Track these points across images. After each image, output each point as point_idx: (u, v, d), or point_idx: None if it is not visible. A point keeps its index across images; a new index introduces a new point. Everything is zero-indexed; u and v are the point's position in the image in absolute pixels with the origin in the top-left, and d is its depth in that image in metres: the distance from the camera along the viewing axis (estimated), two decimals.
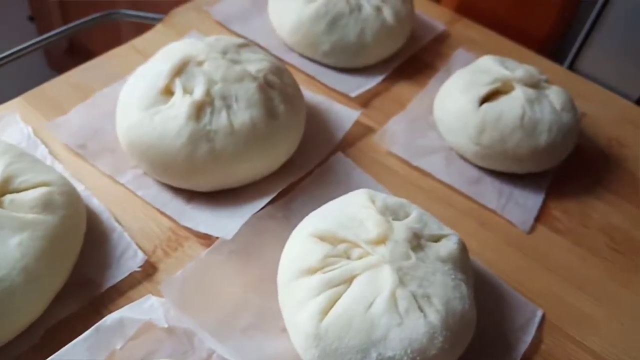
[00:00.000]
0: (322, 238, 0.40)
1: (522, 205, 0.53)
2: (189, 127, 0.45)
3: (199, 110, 0.45)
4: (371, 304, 0.37)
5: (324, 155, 0.53)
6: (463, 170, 0.55)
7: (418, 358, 0.36)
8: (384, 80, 0.63)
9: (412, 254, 0.39)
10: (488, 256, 0.49)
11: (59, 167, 0.48)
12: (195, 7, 0.68)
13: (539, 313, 0.45)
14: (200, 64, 0.48)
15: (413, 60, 0.67)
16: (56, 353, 0.36)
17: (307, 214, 0.44)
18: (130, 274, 0.42)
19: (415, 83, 0.64)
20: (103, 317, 0.37)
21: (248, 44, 0.52)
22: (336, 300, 0.37)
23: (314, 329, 0.37)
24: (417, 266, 0.39)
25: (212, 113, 0.46)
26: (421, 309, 0.37)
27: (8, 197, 0.40)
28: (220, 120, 0.46)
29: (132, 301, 0.40)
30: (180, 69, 0.47)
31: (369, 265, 0.38)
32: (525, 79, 0.55)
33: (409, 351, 0.36)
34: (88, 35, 1.12)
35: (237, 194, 0.48)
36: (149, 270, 0.43)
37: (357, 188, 0.45)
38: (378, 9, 0.62)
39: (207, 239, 0.45)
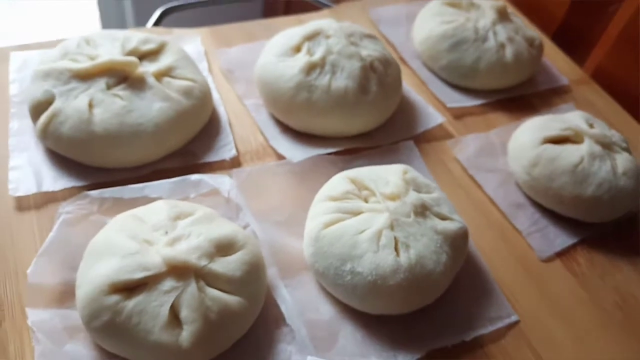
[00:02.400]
0: (352, 181, 0.52)
1: (551, 240, 0.59)
2: (298, 77, 0.60)
3: (311, 68, 0.60)
4: (361, 232, 0.48)
5: (398, 138, 0.64)
6: (511, 194, 0.62)
7: (379, 281, 0.46)
8: (483, 105, 0.71)
9: (412, 215, 0.49)
10: (493, 261, 0.56)
11: (209, 78, 0.66)
12: (361, 5, 0.84)
13: (514, 317, 0.52)
14: (327, 37, 0.63)
15: (521, 99, 0.74)
16: (149, 182, 0.53)
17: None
18: (222, 161, 0.58)
19: (511, 117, 0.71)
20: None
21: (373, 36, 0.66)
22: (339, 221, 0.49)
23: (316, 233, 0.49)
24: (411, 224, 0.49)
25: (320, 73, 0.60)
26: (396, 250, 0.47)
27: (166, 79, 0.58)
28: (323, 80, 0.60)
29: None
30: (311, 36, 0.62)
31: (373, 209, 0.50)
32: (598, 136, 0.60)
33: (373, 273, 0.46)
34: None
35: (318, 139, 0.62)
36: (234, 164, 0.59)
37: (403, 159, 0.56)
38: (501, 46, 0.71)
39: (281, 158, 0.60)
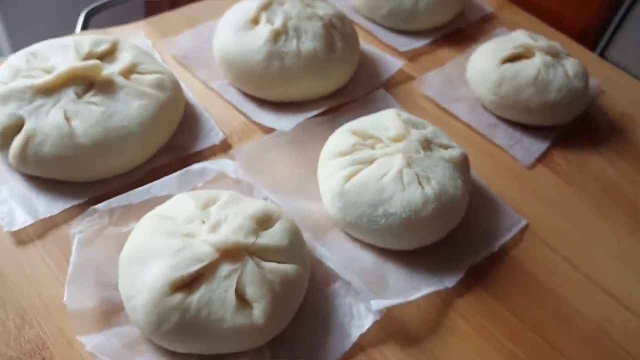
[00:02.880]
0: (355, 133, 0.54)
1: (528, 148, 0.64)
2: (267, 47, 0.59)
3: (276, 36, 0.60)
4: (383, 176, 0.50)
5: (370, 89, 0.66)
6: (482, 116, 0.67)
7: (413, 217, 0.48)
8: (430, 44, 0.75)
9: (421, 150, 0.52)
10: (488, 177, 0.60)
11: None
12: None
13: (523, 222, 0.56)
14: (281, 4, 0.62)
15: (459, 32, 0.78)
16: (153, 182, 0.51)
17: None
18: (212, 147, 0.57)
19: (457, 49, 0.76)
20: None
21: None
22: (358, 173, 0.50)
23: (340, 188, 0.50)
24: (423, 159, 0.51)
25: (286, 40, 0.60)
26: (421, 184, 0.49)
27: (134, 76, 0.55)
28: (291, 45, 0.60)
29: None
30: (266, 6, 0.62)
31: (385, 153, 0.51)
32: (546, 48, 0.65)
33: (407, 210, 0.48)
34: None
35: (296, 105, 0.62)
36: (225, 147, 0.58)
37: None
38: None
39: (269, 132, 0.59)
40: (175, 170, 0.53)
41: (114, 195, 0.50)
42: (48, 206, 0.50)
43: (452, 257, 0.51)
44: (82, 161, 0.50)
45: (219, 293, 0.40)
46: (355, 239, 0.52)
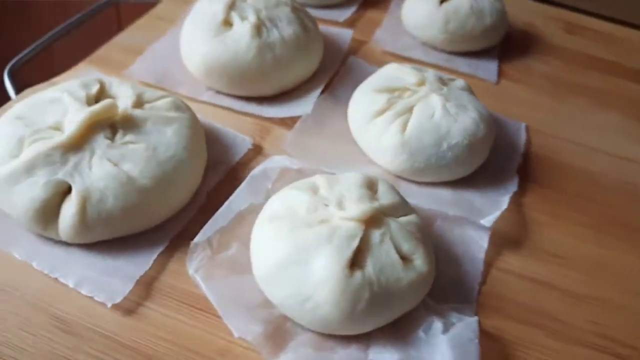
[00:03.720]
0: (380, 91, 0.56)
1: (487, 69, 0.73)
2: (255, 42, 0.59)
3: (257, 29, 0.59)
4: (432, 115, 0.54)
5: (341, 60, 0.69)
6: (438, 55, 0.74)
7: (472, 140, 0.53)
8: (357, 10, 0.80)
9: (444, 87, 0.57)
10: None
11: None
12: None
13: (522, 125, 0.65)
14: (244, 0, 0.62)
15: None
16: (228, 199, 0.49)
17: (350, 93, 0.60)
18: (247, 151, 0.55)
19: (381, 9, 0.82)
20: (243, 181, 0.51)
21: None
22: (407, 121, 0.54)
23: (400, 140, 0.53)
24: (449, 92, 0.56)
25: (267, 31, 0.60)
26: (465, 111, 0.54)
27: (147, 105, 0.51)
28: (274, 35, 0.60)
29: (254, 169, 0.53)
30: (232, 5, 0.61)
31: (420, 97, 0.55)
32: None
33: (466, 136, 0.53)
34: None
35: (290, 93, 0.63)
36: (257, 149, 0.57)
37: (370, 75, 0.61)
38: None
39: (283, 124, 0.59)
40: (229, 186, 0.51)
41: (191, 229, 0.47)
42: (135, 265, 0.44)
43: (494, 169, 0.58)
44: (148, 204, 0.46)
45: (384, 258, 0.41)
46: (419, 184, 0.55)
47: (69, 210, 0.43)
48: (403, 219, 0.45)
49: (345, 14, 0.78)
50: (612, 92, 0.74)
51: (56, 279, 0.43)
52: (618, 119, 0.69)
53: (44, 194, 0.43)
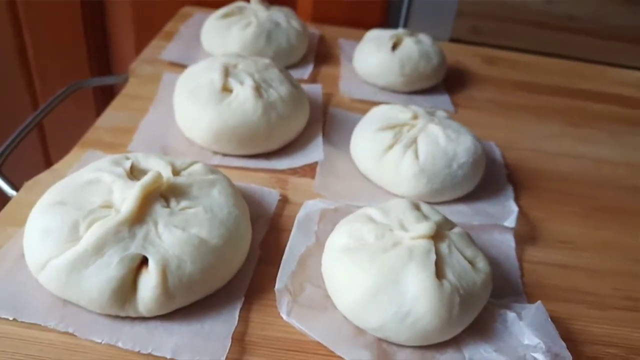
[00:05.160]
0: (383, 129, 0.63)
1: (443, 102, 0.83)
2: (260, 102, 0.62)
3: (257, 91, 0.63)
4: (437, 142, 0.60)
5: (322, 109, 0.75)
6: (400, 96, 0.83)
7: (475, 157, 0.60)
8: (314, 67, 0.87)
9: (433, 117, 0.64)
10: None
11: None
12: (147, 59, 0.83)
13: (492, 144, 0.74)
14: (235, 66, 0.66)
15: (319, 55, 0.92)
16: (288, 245, 0.51)
17: (344, 138, 0.66)
18: (278, 204, 0.58)
19: (333, 64, 0.90)
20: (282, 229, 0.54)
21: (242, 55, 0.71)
22: (416, 151, 0.60)
23: (417, 166, 0.59)
24: (440, 121, 0.64)
25: (266, 91, 0.64)
26: (461, 134, 0.62)
27: (184, 173, 0.53)
28: (273, 94, 0.64)
29: (289, 218, 0.56)
30: (226, 72, 0.64)
31: (420, 129, 0.62)
32: (407, 33, 0.85)
33: (470, 154, 0.60)
34: None
35: (294, 146, 0.67)
36: (285, 200, 0.59)
37: (355, 121, 0.68)
38: (288, 23, 0.86)
39: (295, 173, 0.63)
40: (272, 236, 0.54)
41: (255, 281, 0.49)
42: (222, 324, 0.45)
43: (490, 182, 0.66)
44: (223, 263, 0.47)
45: (457, 265, 0.46)
46: (436, 204, 0.61)
47: (148, 283, 0.43)
48: (454, 230, 0.50)
49: (306, 71, 0.85)
50: (543, 107, 0.87)
51: (149, 353, 0.42)
52: (557, 126, 0.82)
53: (119, 271, 0.43)
